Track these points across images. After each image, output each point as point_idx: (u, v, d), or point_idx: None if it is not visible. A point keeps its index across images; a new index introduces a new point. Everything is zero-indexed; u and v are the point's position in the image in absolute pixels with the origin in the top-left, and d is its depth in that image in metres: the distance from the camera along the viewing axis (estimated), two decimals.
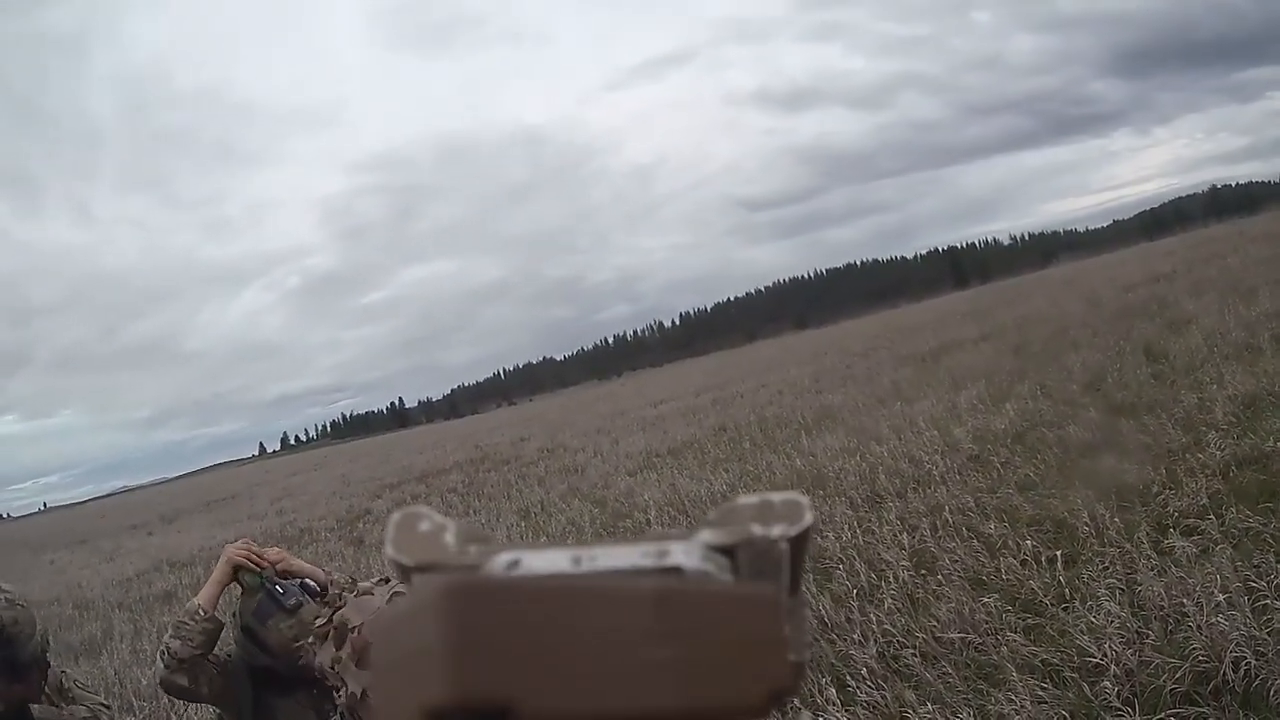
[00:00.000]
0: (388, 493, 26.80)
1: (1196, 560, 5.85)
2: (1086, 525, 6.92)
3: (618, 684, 0.47)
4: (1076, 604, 5.88)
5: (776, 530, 0.58)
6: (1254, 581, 5.25)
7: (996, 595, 6.33)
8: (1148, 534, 6.49)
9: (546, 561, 0.54)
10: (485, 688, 0.44)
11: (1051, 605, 6.03)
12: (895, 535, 8.21)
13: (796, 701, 5.08)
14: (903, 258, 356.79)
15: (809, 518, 0.59)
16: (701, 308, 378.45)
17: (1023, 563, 6.66)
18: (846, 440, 14.44)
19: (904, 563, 7.39)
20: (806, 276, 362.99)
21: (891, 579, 7.10)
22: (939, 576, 6.95)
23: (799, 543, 0.59)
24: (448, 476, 27.22)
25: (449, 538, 0.57)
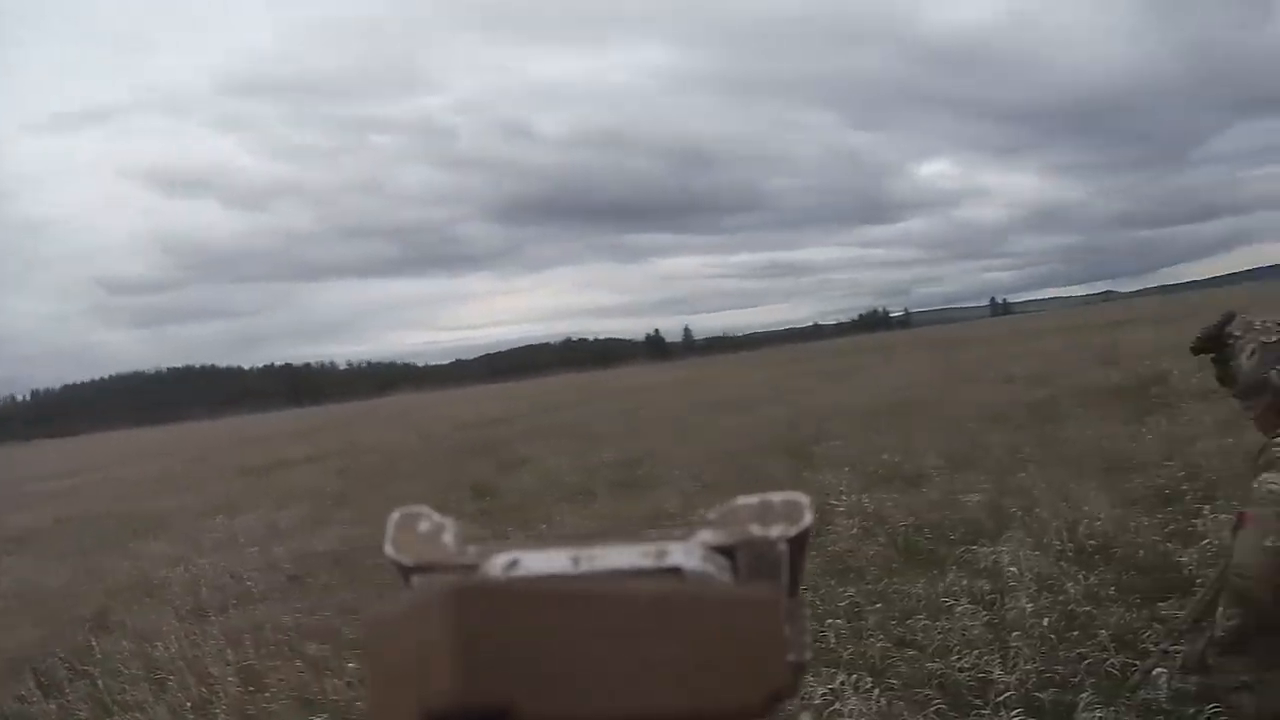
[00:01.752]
0: None
1: None
2: None
3: (617, 685, 0.48)
4: None
5: (776, 530, 0.60)
6: None
7: (326, 715, 6.49)
8: None
9: (546, 562, 0.56)
10: (487, 690, 0.45)
11: None
12: (222, 650, 8.16)
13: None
14: (241, 367, 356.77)
15: (809, 518, 0.61)
16: (51, 387, 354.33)
17: (349, 684, 6.78)
18: (172, 548, 14.42)
19: (232, 678, 7.42)
20: (150, 372, 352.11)
21: (222, 694, 7.15)
22: (269, 694, 7.04)
23: (798, 543, 0.61)
24: None
25: (448, 538, 0.59)
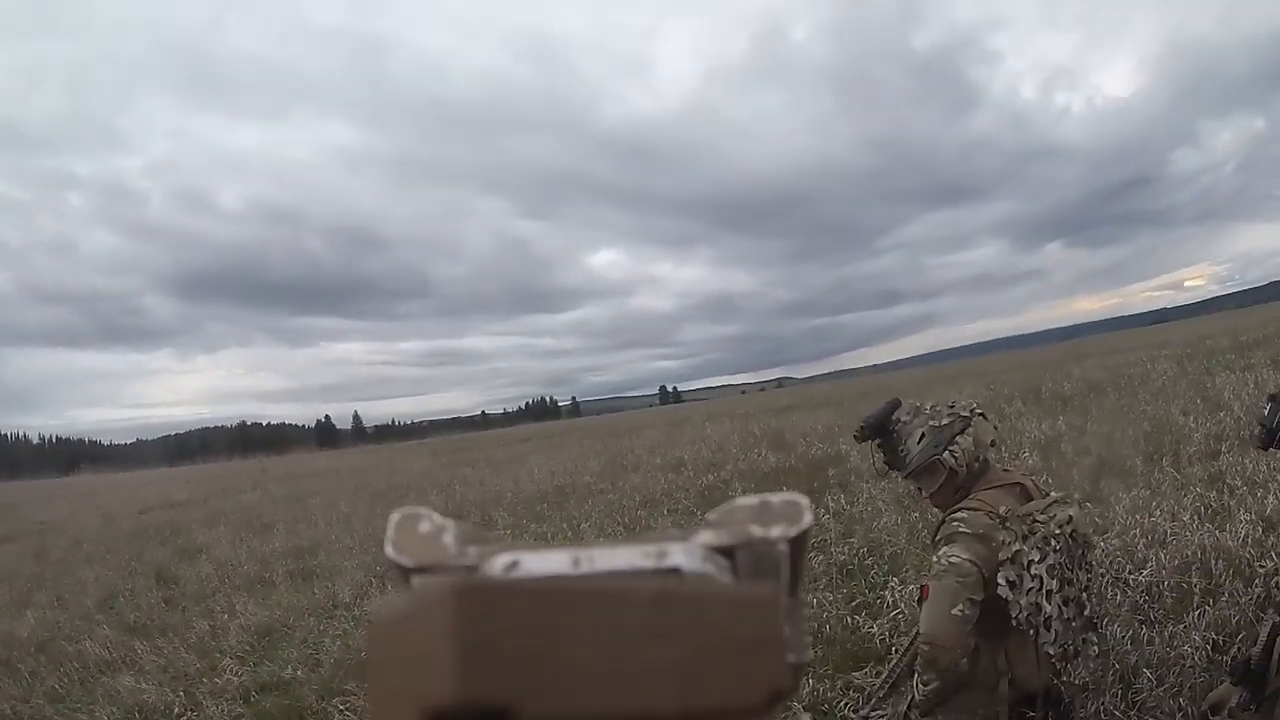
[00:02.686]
0: None
1: None
2: None
3: (618, 685, 0.48)
4: None
5: (775, 531, 0.59)
6: None
7: None
8: None
9: (546, 563, 0.54)
10: (488, 690, 0.45)
11: None
12: None
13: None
14: None
15: (808, 518, 0.60)
16: None
17: None
18: None
19: None
20: None
21: None
22: None
23: (798, 543, 0.60)
24: None
25: (448, 539, 0.57)
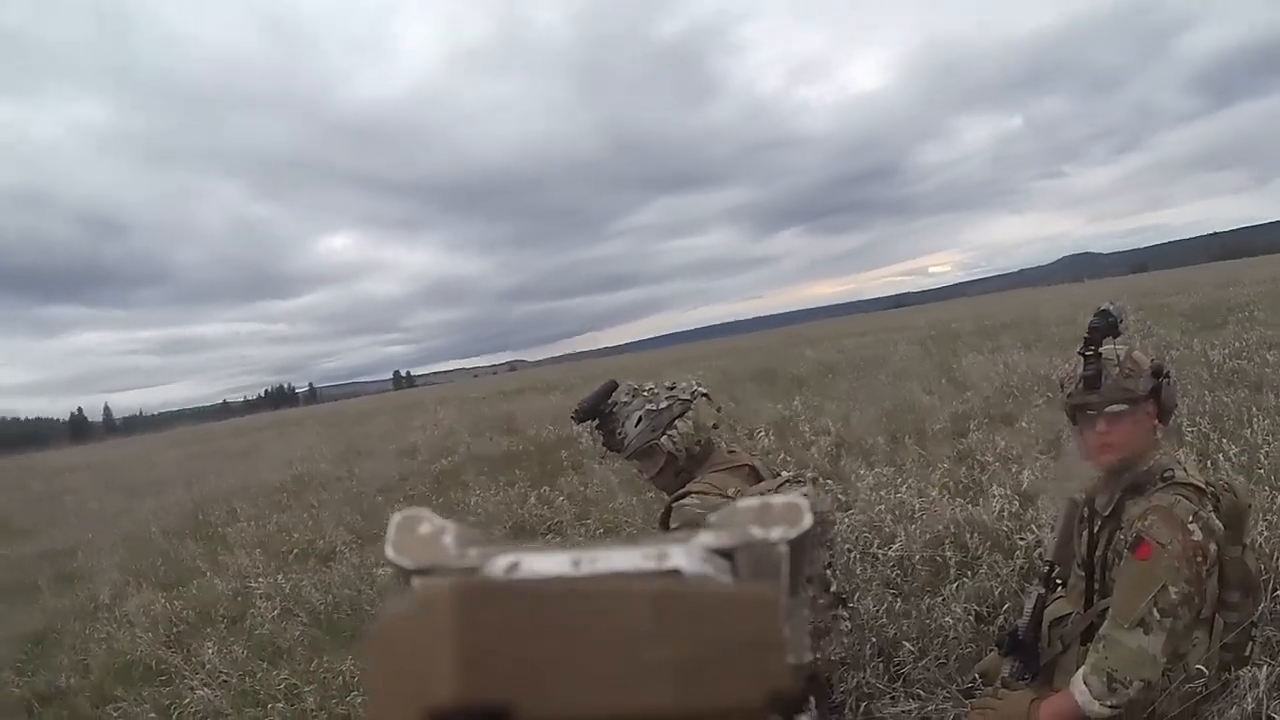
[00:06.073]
0: None
1: None
2: None
3: (618, 685, 0.49)
4: None
5: (776, 533, 0.59)
6: None
7: None
8: None
9: (546, 564, 0.54)
10: (488, 690, 0.46)
11: None
12: None
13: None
14: None
15: (808, 520, 0.60)
16: None
17: None
18: None
19: None
20: None
21: None
22: None
23: (798, 545, 0.59)
24: None
25: (449, 540, 0.57)
